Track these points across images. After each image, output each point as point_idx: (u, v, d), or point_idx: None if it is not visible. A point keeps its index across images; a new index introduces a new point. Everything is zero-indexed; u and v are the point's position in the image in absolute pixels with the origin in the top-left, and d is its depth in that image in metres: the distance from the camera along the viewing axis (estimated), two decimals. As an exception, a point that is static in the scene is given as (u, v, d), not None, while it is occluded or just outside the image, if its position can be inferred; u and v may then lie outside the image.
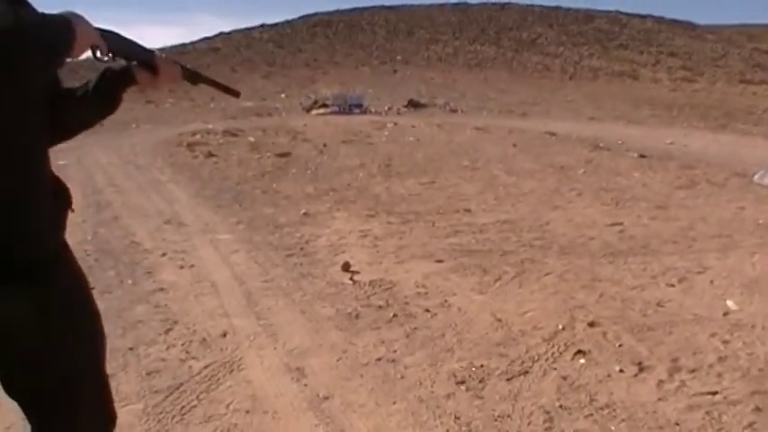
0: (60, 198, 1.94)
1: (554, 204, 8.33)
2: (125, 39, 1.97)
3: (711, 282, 5.30)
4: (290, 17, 56.68)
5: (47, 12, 1.72)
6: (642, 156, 12.44)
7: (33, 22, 1.70)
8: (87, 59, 1.95)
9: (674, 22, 59.32)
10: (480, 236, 6.80)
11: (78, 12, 1.78)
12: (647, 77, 43.90)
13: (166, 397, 3.50)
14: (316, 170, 11.11)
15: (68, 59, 1.73)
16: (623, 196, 8.81)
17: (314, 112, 23.59)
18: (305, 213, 7.94)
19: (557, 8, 60.08)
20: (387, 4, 60.13)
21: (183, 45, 51.05)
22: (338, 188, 9.51)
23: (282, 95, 31.54)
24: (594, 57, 49.78)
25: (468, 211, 7.99)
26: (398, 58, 47.86)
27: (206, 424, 3.26)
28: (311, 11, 58.16)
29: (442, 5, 59.46)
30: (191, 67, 2.17)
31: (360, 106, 24.48)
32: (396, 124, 17.90)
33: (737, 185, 9.67)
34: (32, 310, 1.82)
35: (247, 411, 3.36)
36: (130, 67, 2.01)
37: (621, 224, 7.25)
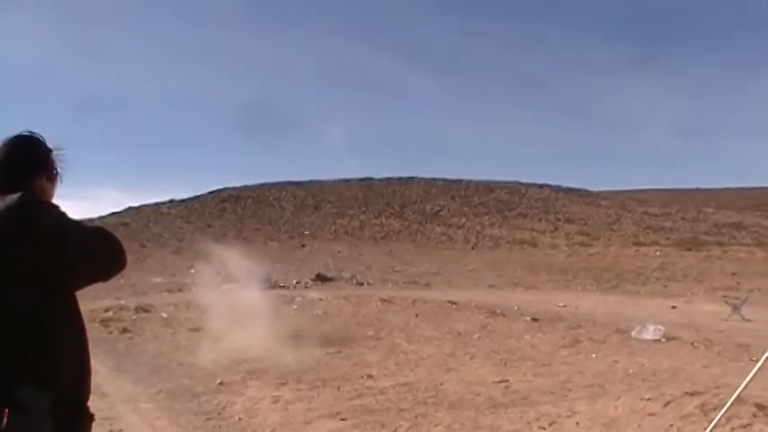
0: None
1: (449, 367, 9.17)
2: None
3: (577, 423, 6.16)
4: (198, 192, 57.16)
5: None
6: (534, 319, 13.41)
7: None
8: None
9: (570, 189, 61.83)
10: (381, 397, 7.57)
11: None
12: (546, 244, 45.87)
13: None
14: (228, 343, 11.66)
15: None
16: (512, 357, 9.70)
17: (224, 287, 24.03)
18: (220, 383, 8.54)
19: (458, 181, 62.04)
20: (294, 179, 61.25)
21: (91, 219, 51.01)
22: (250, 360, 10.12)
23: (192, 271, 31.91)
24: (495, 226, 51.80)
25: (371, 376, 8.75)
26: (306, 232, 49.04)
27: None
28: (220, 186, 58.70)
29: (348, 181, 60.94)
30: None
31: (267, 281, 25.22)
32: (304, 298, 18.47)
33: (616, 341, 10.68)
34: None
35: None
36: None
37: (507, 381, 8.12)
